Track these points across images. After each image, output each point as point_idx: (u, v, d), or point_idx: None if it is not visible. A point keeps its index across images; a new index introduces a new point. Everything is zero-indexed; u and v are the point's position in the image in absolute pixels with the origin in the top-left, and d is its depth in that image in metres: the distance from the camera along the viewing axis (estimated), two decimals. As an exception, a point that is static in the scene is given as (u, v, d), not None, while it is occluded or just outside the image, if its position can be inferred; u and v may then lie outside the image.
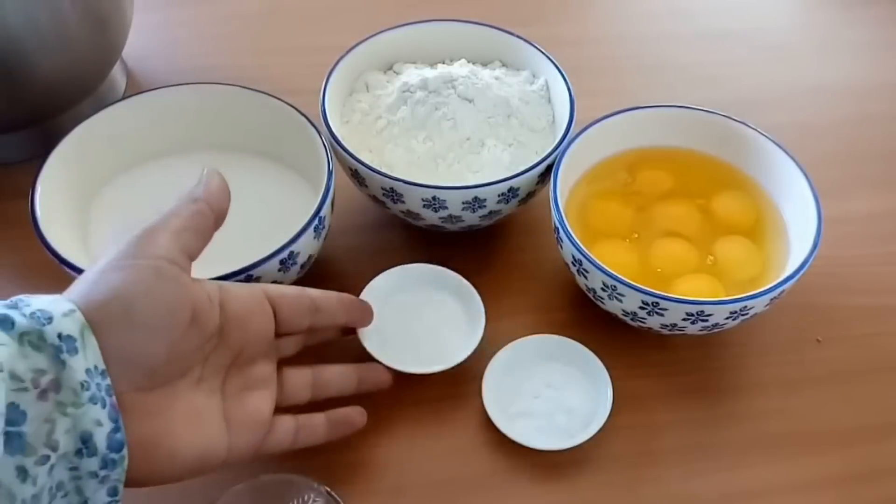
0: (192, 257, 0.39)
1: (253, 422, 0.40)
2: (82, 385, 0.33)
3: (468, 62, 0.58)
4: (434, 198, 0.50)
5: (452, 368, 0.48)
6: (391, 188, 0.50)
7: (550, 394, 0.48)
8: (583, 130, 0.53)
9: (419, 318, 0.50)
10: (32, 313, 0.33)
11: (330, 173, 0.50)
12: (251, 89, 0.54)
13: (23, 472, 0.31)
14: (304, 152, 0.53)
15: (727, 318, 0.46)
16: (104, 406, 0.33)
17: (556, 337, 0.50)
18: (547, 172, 0.51)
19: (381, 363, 0.47)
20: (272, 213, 0.53)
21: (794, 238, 0.51)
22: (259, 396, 0.41)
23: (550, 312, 0.53)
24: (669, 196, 0.54)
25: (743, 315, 0.46)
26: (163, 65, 0.69)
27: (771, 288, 0.45)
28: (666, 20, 0.77)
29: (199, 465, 0.38)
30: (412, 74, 0.56)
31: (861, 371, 0.52)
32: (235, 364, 0.41)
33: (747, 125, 0.54)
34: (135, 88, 0.67)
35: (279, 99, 0.54)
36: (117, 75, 0.66)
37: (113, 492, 0.35)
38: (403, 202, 0.51)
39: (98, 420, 0.33)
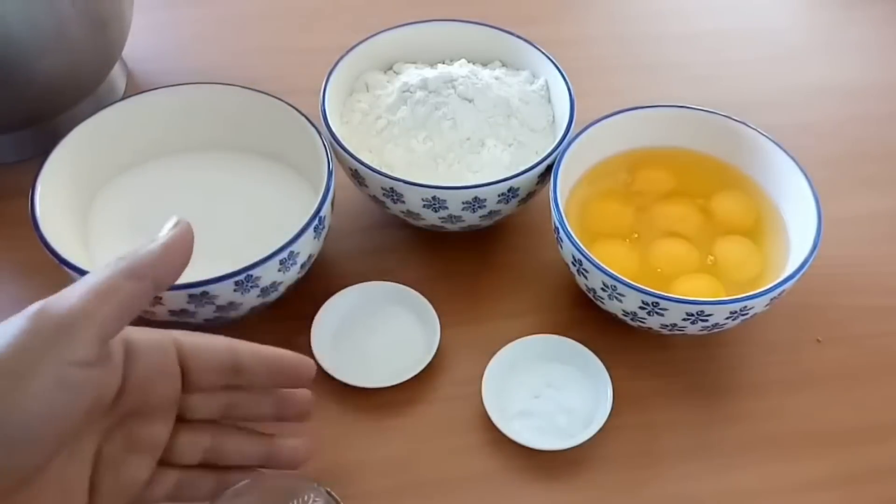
0: (112, 338, 0.33)
1: (122, 490, 0.35)
2: None
3: (468, 62, 0.58)
4: (434, 198, 0.50)
5: (412, 379, 0.48)
6: (391, 188, 0.50)
7: (550, 394, 0.48)
8: (583, 130, 0.53)
9: (375, 335, 0.51)
10: None
11: (330, 173, 0.50)
12: (251, 89, 0.54)
13: None
14: (304, 152, 0.53)
15: (727, 318, 0.46)
16: None
17: (556, 337, 0.50)
18: (547, 172, 0.51)
19: (337, 380, 0.48)
20: (272, 213, 0.53)
21: (794, 238, 0.51)
22: (137, 463, 0.36)
23: (550, 312, 0.53)
24: (669, 196, 0.54)
25: (743, 315, 0.46)
26: (163, 65, 0.69)
27: (771, 288, 0.45)
28: (666, 20, 0.77)
29: None
30: (412, 74, 0.56)
31: (861, 371, 0.52)
32: (122, 424, 0.35)
33: (747, 125, 0.54)
34: (135, 88, 0.67)
35: (279, 99, 0.54)
36: (117, 76, 0.66)
37: None
38: (403, 202, 0.51)
39: None
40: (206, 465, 0.39)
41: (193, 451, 0.38)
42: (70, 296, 0.31)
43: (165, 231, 0.35)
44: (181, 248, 0.35)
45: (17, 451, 0.29)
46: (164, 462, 0.37)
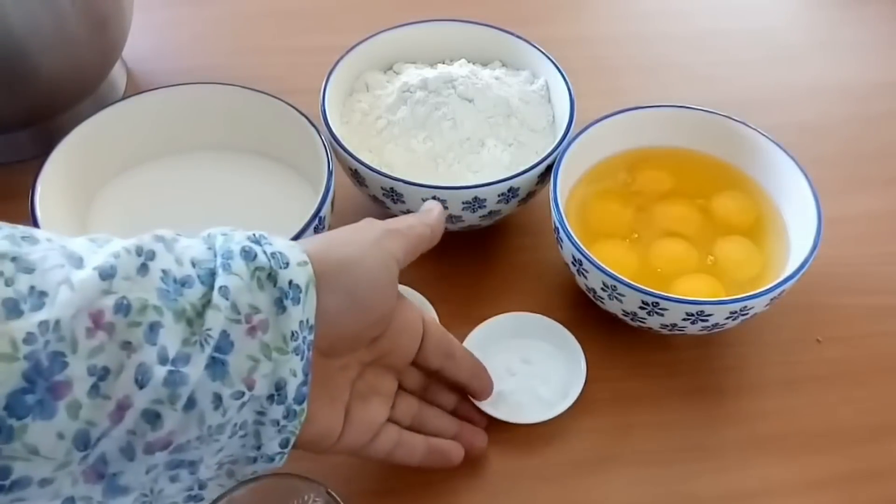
0: (406, 258, 0.41)
1: (366, 424, 0.41)
2: (292, 335, 0.34)
3: (468, 62, 0.58)
4: (434, 198, 0.50)
5: None
6: (391, 188, 0.50)
7: (526, 369, 0.49)
8: (583, 130, 0.53)
9: None
10: (273, 253, 0.35)
11: (330, 173, 0.50)
12: (251, 89, 0.54)
13: (218, 400, 0.32)
14: (304, 152, 0.53)
15: (727, 318, 0.46)
16: (302, 358, 0.35)
17: (526, 314, 0.51)
18: (547, 172, 0.51)
19: None
20: (272, 213, 0.53)
21: (794, 238, 0.51)
22: (379, 404, 0.42)
23: (550, 312, 0.53)
24: (669, 196, 0.54)
25: (743, 315, 0.46)
26: (163, 65, 0.69)
27: (771, 288, 0.45)
28: (665, 20, 0.77)
29: (312, 443, 0.39)
30: (412, 74, 0.56)
31: (861, 371, 0.52)
32: (372, 366, 0.41)
33: (747, 125, 0.54)
34: (135, 88, 0.67)
35: (279, 99, 0.54)
36: (117, 75, 0.66)
37: (285, 443, 0.36)
38: (403, 202, 0.51)
39: (294, 370, 0.34)
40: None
41: (407, 412, 0.44)
42: (393, 220, 0.42)
43: (434, 208, 0.44)
44: (440, 213, 0.44)
45: (353, 314, 0.37)
46: (392, 421, 0.43)
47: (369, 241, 0.39)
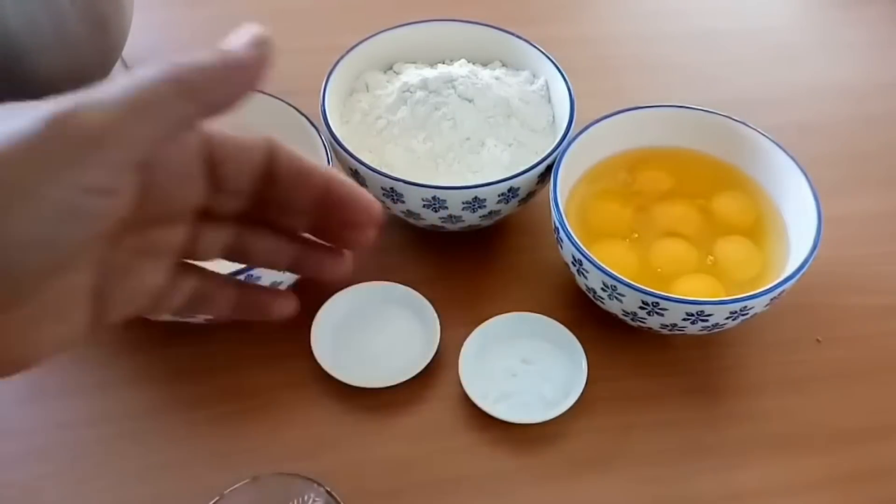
0: (141, 162, 0.25)
1: (136, 296, 0.29)
2: None
3: (468, 62, 0.58)
4: (434, 198, 0.50)
5: (412, 379, 0.49)
6: (391, 188, 0.50)
7: (527, 369, 0.49)
8: (583, 130, 0.53)
9: (376, 335, 0.51)
10: None
11: (330, 173, 0.50)
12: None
13: None
14: (303, 152, 0.52)
15: (727, 318, 0.46)
16: None
17: (526, 314, 0.51)
18: (547, 172, 0.51)
19: (338, 380, 0.48)
20: (272, 213, 0.53)
21: (794, 238, 0.51)
22: (151, 267, 0.29)
23: (550, 312, 0.53)
24: (669, 196, 0.54)
25: (743, 315, 0.46)
26: (163, 65, 0.69)
27: (771, 288, 0.45)
28: (665, 20, 0.77)
29: (54, 353, 0.27)
30: (412, 74, 0.56)
31: (861, 371, 0.52)
32: (133, 231, 0.28)
33: (747, 125, 0.54)
34: (135, 88, 0.67)
35: (279, 99, 0.54)
36: (117, 75, 0.66)
37: None
38: (403, 202, 0.51)
39: None
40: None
41: (214, 246, 0.31)
42: (103, 103, 0.23)
43: (237, 42, 0.28)
44: (250, 68, 0.28)
45: (6, 279, 0.23)
46: (186, 264, 0.31)
47: (34, 182, 0.22)
